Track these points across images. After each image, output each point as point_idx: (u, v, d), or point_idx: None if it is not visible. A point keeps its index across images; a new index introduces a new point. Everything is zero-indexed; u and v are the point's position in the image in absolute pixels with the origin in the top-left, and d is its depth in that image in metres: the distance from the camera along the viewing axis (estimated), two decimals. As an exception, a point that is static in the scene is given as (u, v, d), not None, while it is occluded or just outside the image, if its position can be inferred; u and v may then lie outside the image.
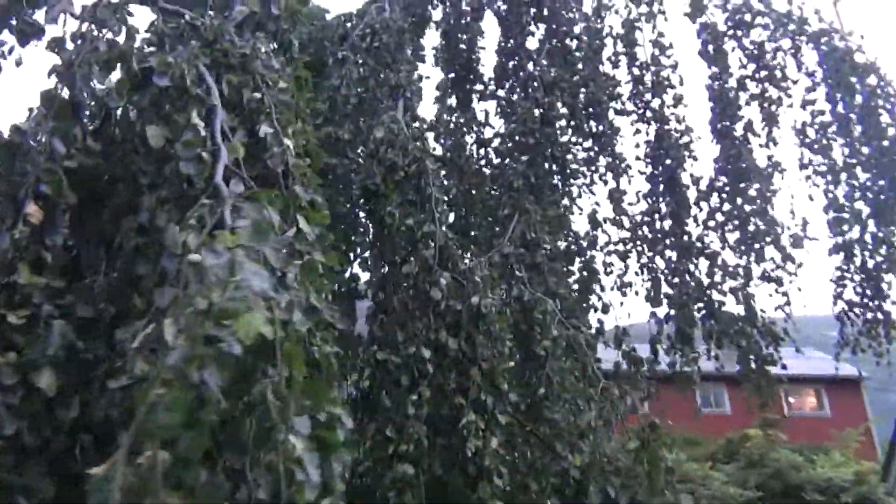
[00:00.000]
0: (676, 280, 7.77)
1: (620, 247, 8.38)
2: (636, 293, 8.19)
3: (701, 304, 7.66)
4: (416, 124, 6.75)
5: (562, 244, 8.02)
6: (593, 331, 7.47)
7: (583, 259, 8.24)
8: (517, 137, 7.77)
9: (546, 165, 7.67)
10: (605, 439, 4.90)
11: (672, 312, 7.65)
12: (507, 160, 7.70)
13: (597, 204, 8.67)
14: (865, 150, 9.47)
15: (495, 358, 5.12)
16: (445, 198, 8.67)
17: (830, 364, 12.17)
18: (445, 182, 8.93)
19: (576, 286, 8.09)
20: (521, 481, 4.96)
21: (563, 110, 8.63)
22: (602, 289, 8.13)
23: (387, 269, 5.66)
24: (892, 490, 12.77)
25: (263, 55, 3.48)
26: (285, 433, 1.89)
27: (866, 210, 9.36)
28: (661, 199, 8.26)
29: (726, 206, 8.31)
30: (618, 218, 8.46)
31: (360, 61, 7.28)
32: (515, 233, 6.71)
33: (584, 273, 8.09)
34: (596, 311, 7.84)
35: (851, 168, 9.51)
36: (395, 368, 4.86)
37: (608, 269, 8.46)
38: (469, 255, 7.67)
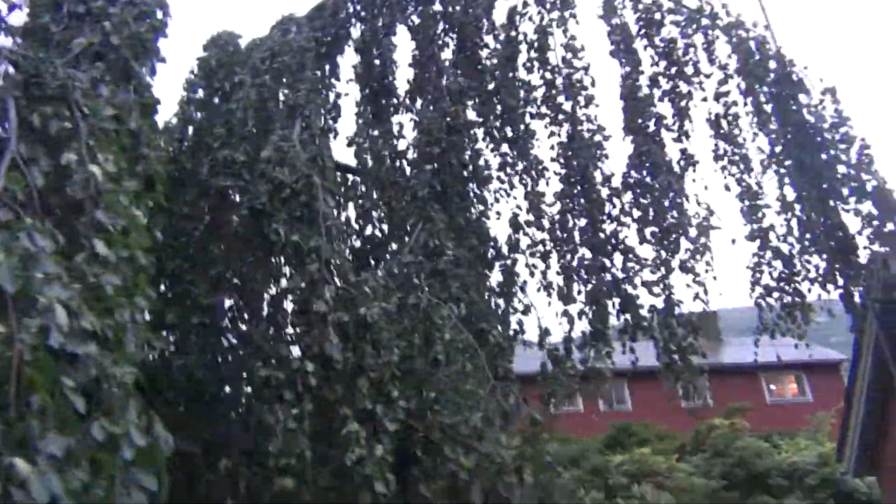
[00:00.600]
0: (591, 277, 7.87)
1: (541, 248, 8.48)
2: (558, 293, 8.27)
3: (617, 300, 7.75)
4: (316, 142, 6.81)
5: (481, 249, 8.11)
6: (511, 332, 7.56)
7: (503, 263, 8.34)
8: (425, 147, 7.86)
9: (455, 173, 7.75)
10: (491, 440, 4.95)
11: (586, 309, 7.74)
12: (416, 170, 7.79)
13: (518, 207, 8.79)
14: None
15: (384, 367, 5.17)
16: (365, 210, 8.80)
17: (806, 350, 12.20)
18: (374, 197, 9.05)
19: (498, 290, 8.21)
20: (412, 486, 5.00)
21: (475, 118, 8.76)
22: (524, 291, 8.24)
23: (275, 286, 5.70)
24: (847, 469, 12.87)
25: (85, 85, 3.53)
26: (8, 456, 1.93)
27: (792, 195, 9.53)
28: (574, 199, 8.36)
29: (642, 201, 8.42)
30: (537, 220, 8.56)
31: (260, 83, 7.33)
32: (419, 241, 6.77)
33: (505, 276, 8.20)
34: (516, 312, 7.94)
35: (777, 156, 9.69)
36: (277, 384, 4.90)
37: (532, 272, 8.55)
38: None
